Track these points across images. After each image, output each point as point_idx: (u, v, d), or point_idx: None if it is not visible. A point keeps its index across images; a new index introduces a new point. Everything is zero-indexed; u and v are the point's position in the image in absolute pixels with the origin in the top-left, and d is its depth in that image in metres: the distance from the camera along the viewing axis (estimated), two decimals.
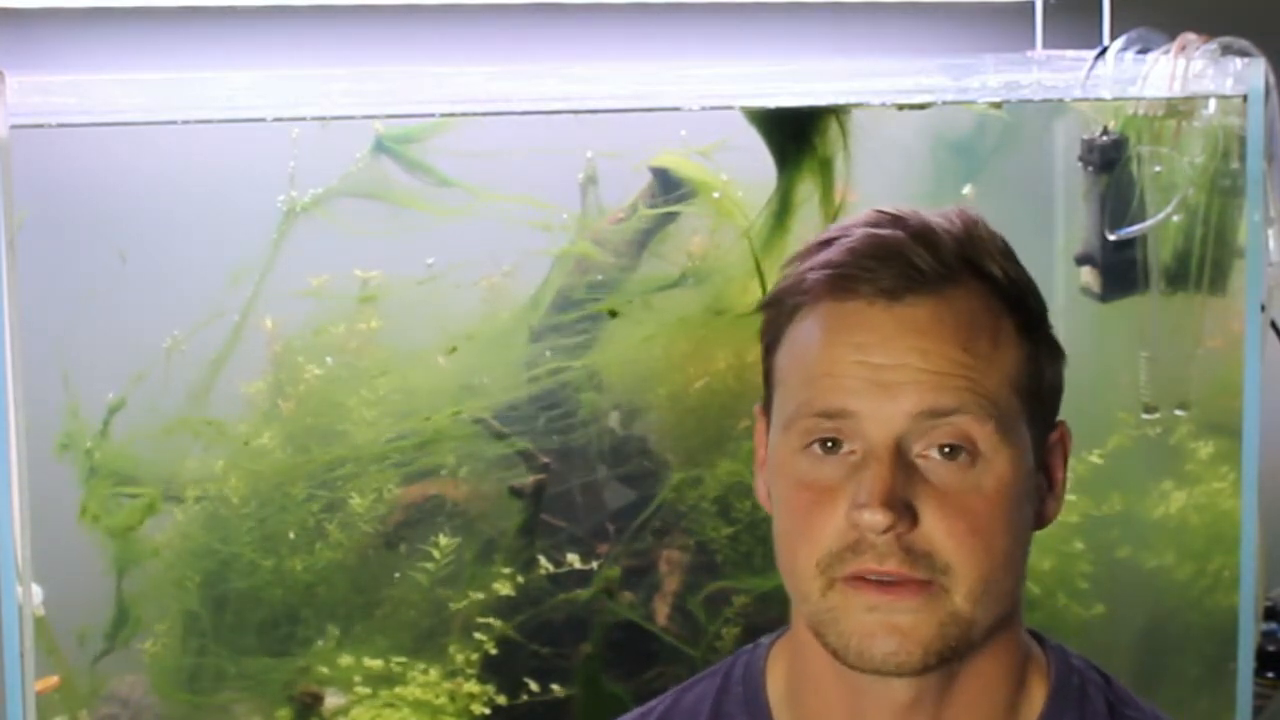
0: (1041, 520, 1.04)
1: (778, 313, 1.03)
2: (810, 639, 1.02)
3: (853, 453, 0.98)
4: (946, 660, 0.98)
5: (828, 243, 1.02)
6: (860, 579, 0.96)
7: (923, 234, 0.99)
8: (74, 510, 1.80)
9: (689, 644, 1.91)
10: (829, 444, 0.98)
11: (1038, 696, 1.06)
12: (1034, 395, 1.01)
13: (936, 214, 1.02)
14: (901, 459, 0.96)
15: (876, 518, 0.94)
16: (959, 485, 0.97)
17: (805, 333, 1.01)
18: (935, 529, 0.96)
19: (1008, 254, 1.03)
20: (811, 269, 1.01)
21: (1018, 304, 1.01)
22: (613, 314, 1.88)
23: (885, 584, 0.96)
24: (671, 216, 1.91)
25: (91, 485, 1.81)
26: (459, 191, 1.84)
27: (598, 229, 1.92)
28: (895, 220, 1.00)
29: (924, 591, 0.96)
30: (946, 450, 0.97)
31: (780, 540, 1.01)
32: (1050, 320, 1.05)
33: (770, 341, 1.04)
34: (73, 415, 1.80)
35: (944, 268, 0.98)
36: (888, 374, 0.96)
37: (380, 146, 1.85)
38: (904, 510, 0.95)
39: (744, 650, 1.13)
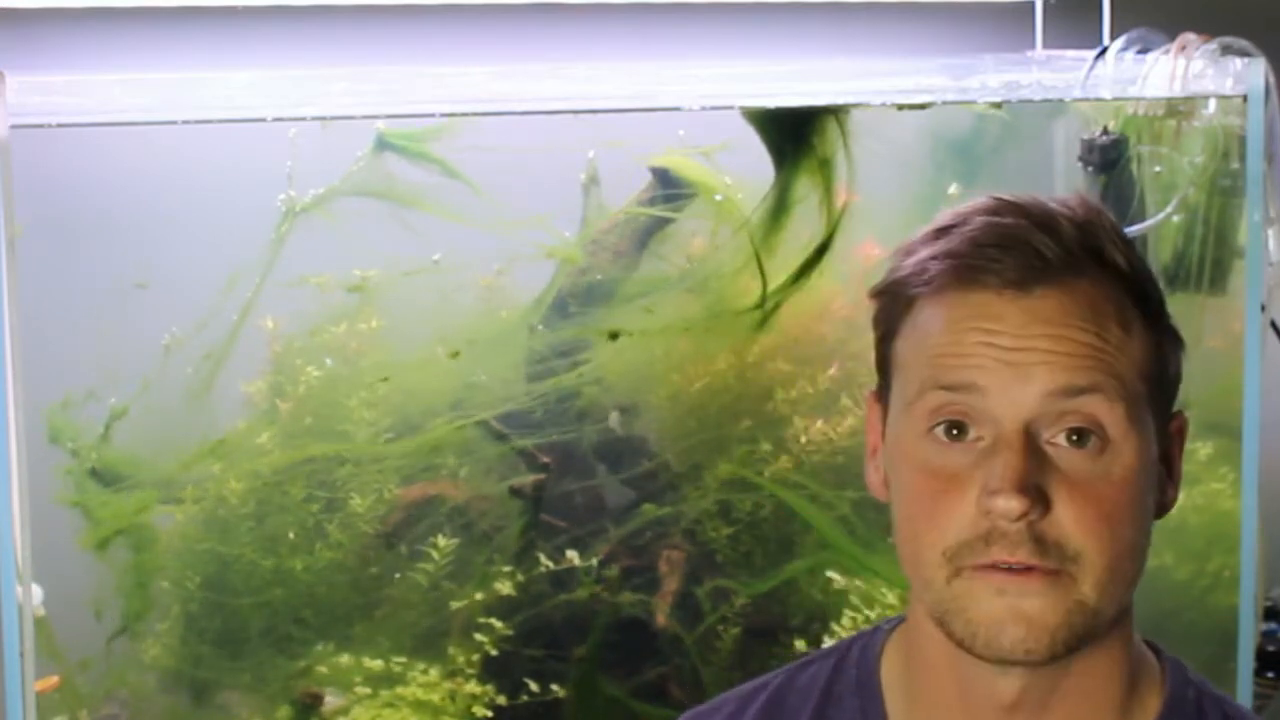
0: (1162, 509, 1.03)
1: (893, 300, 1.02)
2: (928, 627, 1.00)
3: (980, 439, 0.96)
4: (1072, 649, 0.96)
5: (945, 230, 1.00)
6: (991, 568, 0.95)
7: (1045, 221, 0.98)
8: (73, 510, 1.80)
9: (689, 643, 1.91)
10: (955, 430, 0.97)
11: (1152, 707, 1.04)
12: (1159, 383, 1.00)
13: (1056, 201, 1.00)
14: (1032, 444, 0.95)
15: (1011, 504, 0.93)
16: (1089, 472, 0.95)
17: (928, 319, 0.99)
18: (1065, 516, 0.94)
19: (1129, 243, 1.01)
20: (933, 258, 0.99)
21: (1141, 293, 1.00)
22: (613, 336, 1.88)
23: (1014, 569, 0.94)
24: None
25: (91, 486, 1.81)
26: (461, 191, 1.84)
27: (598, 230, 1.92)
28: (1016, 208, 0.99)
29: (1052, 578, 0.95)
30: (1075, 437, 0.96)
31: (903, 527, 1.00)
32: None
33: (886, 330, 1.03)
34: (69, 413, 1.80)
35: (1067, 255, 0.97)
36: (1017, 355, 0.95)
37: (382, 144, 1.85)
38: (1038, 496, 0.94)
39: (862, 633, 1.12)
